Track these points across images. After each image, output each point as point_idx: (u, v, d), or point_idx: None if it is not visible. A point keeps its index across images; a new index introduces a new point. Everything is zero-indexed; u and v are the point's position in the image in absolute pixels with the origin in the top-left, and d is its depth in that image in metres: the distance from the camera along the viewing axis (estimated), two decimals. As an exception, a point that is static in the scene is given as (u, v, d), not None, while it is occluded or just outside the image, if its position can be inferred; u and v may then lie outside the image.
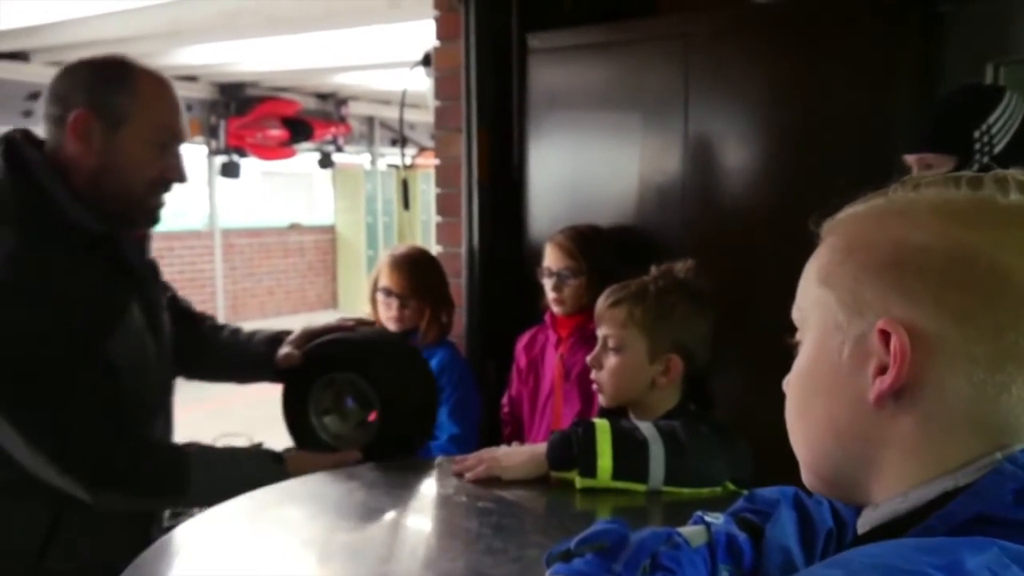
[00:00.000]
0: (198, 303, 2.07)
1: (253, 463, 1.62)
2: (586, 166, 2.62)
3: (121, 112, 1.47)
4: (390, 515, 1.41)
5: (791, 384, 0.69)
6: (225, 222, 10.70)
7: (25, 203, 1.44)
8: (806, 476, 0.69)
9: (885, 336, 0.59)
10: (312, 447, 1.75)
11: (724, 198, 2.38)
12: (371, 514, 1.41)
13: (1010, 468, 0.56)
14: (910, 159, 1.67)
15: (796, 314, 0.69)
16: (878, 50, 2.16)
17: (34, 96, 8.34)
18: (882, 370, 0.59)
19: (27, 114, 8.27)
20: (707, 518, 0.93)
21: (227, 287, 10.60)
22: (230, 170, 9.80)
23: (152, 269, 1.68)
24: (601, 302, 1.68)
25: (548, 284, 2.32)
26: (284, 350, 1.79)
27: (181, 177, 1.57)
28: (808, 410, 0.67)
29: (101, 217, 1.50)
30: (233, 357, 1.88)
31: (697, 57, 2.39)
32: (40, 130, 1.55)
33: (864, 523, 0.64)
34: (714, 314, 1.66)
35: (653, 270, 1.71)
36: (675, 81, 2.42)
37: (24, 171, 1.46)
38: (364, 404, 1.78)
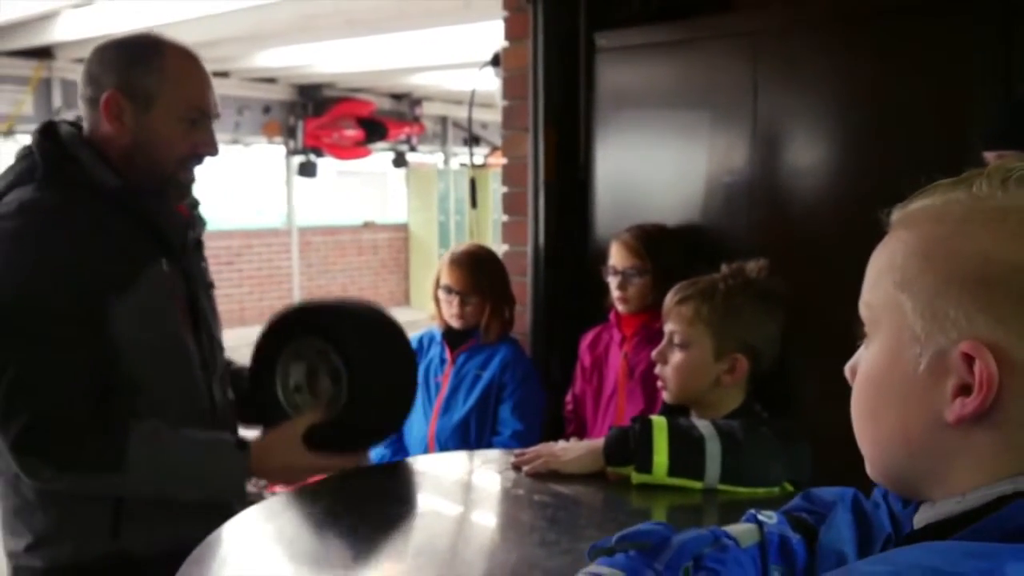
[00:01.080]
0: (275, 299, 2.10)
1: (211, 451, 1.53)
2: (652, 165, 2.61)
3: (150, 92, 1.50)
4: (449, 506, 1.44)
5: (859, 384, 0.67)
6: (302, 220, 10.94)
7: (50, 164, 1.49)
8: (871, 470, 0.67)
9: (968, 357, 0.57)
10: (273, 421, 1.62)
11: (793, 198, 2.34)
12: (430, 505, 1.45)
13: None
14: (989, 156, 1.61)
15: (864, 311, 0.66)
16: (954, 45, 2.11)
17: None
18: (962, 390, 0.58)
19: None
20: (760, 516, 0.92)
21: (303, 284, 10.84)
22: (307, 170, 10.03)
23: (197, 249, 1.68)
24: (669, 298, 1.68)
25: (613, 283, 2.32)
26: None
27: (212, 151, 1.59)
28: (878, 415, 0.65)
29: (133, 184, 1.52)
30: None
31: (766, 54, 2.36)
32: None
33: (919, 520, 0.63)
34: (784, 316, 1.65)
35: (724, 268, 1.70)
36: (743, 79, 2.39)
37: (55, 141, 1.52)
38: (336, 379, 1.59)
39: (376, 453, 2.36)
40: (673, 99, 2.58)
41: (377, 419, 1.64)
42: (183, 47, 1.57)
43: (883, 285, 0.63)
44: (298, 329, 1.64)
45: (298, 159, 10.07)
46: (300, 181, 10.39)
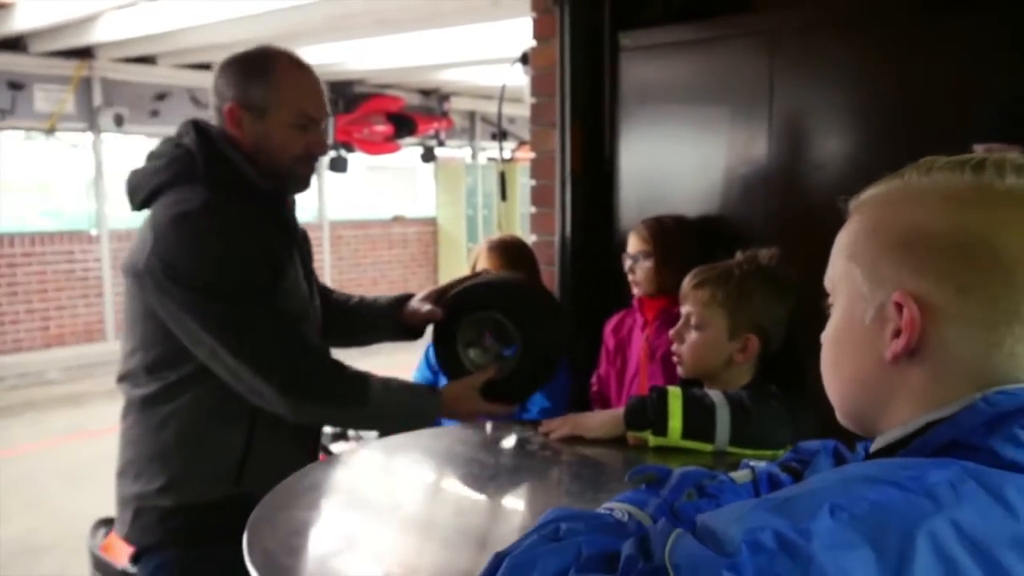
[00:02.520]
0: None
1: (419, 396, 1.83)
2: (674, 159, 2.74)
3: (263, 104, 1.72)
4: (487, 464, 1.61)
5: (825, 344, 0.82)
6: (333, 215, 11.12)
7: (211, 165, 1.70)
8: (839, 415, 0.82)
9: (899, 306, 0.71)
10: (458, 375, 1.95)
11: (807, 189, 2.46)
12: (471, 463, 1.62)
13: (983, 405, 0.68)
14: (979, 148, 1.73)
15: (828, 283, 0.82)
16: (969, 43, 2.19)
17: (161, 97, 8.91)
18: (897, 333, 0.72)
19: (154, 114, 8.85)
20: (752, 463, 1.06)
21: (334, 277, 11.04)
22: (338, 165, 10.18)
23: (304, 234, 1.93)
24: (687, 281, 1.82)
25: (625, 266, 2.48)
26: (425, 306, 2.02)
27: (324, 150, 1.82)
28: (839, 364, 0.80)
29: (270, 182, 1.76)
30: (359, 321, 2.12)
31: (782, 52, 2.48)
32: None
33: (873, 447, 0.78)
34: (793, 300, 1.78)
35: (738, 255, 1.83)
36: (761, 76, 2.51)
37: (209, 141, 1.73)
38: (502, 339, 1.98)
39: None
40: (694, 95, 2.71)
41: (535, 377, 1.97)
42: (295, 59, 1.77)
43: (839, 260, 0.79)
44: (478, 302, 1.98)
45: (329, 154, 10.24)
46: (331, 176, 10.55)
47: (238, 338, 1.64)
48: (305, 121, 1.75)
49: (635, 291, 2.46)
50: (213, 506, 1.70)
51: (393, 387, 1.78)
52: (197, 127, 1.75)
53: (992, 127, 1.73)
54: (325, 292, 2.13)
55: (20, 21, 6.70)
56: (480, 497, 1.44)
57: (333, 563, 1.19)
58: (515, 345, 1.95)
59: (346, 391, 1.71)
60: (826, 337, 0.81)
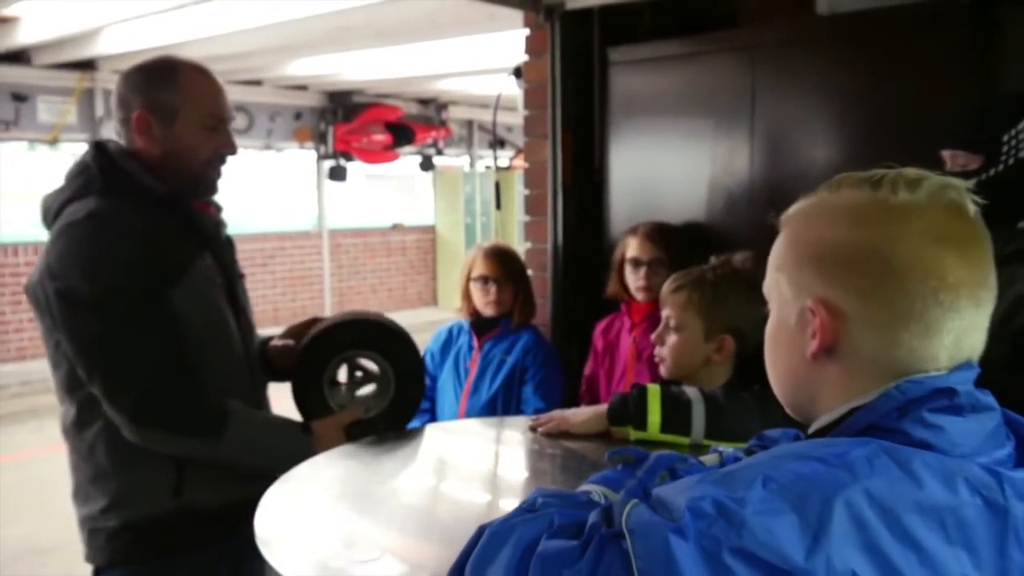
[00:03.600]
0: (307, 300, 2.38)
1: (285, 432, 1.78)
2: (661, 168, 2.85)
3: (172, 108, 1.72)
4: (479, 457, 1.71)
5: (765, 344, 0.93)
6: (332, 223, 11.20)
7: (105, 175, 1.70)
8: (784, 405, 0.93)
9: (812, 311, 0.82)
10: (318, 412, 1.92)
11: (788, 196, 2.54)
12: (463, 457, 1.72)
13: (896, 393, 0.79)
14: (945, 154, 1.84)
15: (764, 290, 0.92)
16: (937, 56, 2.31)
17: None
18: (814, 335, 0.83)
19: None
20: (720, 448, 1.17)
21: (334, 285, 11.12)
22: (337, 174, 10.26)
23: (228, 244, 1.91)
24: (666, 286, 1.92)
25: (637, 273, 2.52)
26: (279, 342, 2.03)
27: (232, 151, 1.82)
28: (776, 362, 0.91)
29: (170, 187, 1.73)
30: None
31: (764, 66, 2.60)
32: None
33: (810, 432, 0.89)
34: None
35: (713, 260, 1.93)
36: (743, 89, 2.63)
37: (106, 155, 1.74)
38: (366, 378, 2.02)
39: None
40: (680, 107, 2.82)
41: (399, 414, 1.99)
42: (196, 64, 1.79)
43: (770, 270, 0.90)
44: (346, 340, 1.99)
45: (328, 163, 10.30)
46: (331, 185, 10.63)
47: (94, 357, 1.61)
48: (214, 122, 1.77)
49: (641, 296, 2.52)
50: (157, 521, 1.70)
51: (259, 424, 1.74)
52: (96, 145, 1.76)
53: (955, 135, 1.83)
54: None
55: (24, 35, 6.80)
56: (469, 486, 1.54)
57: (334, 563, 1.24)
58: (373, 382, 2.00)
59: (200, 423, 1.65)
60: (766, 339, 0.92)
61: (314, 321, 2.07)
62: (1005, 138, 1.75)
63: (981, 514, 0.72)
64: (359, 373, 2.01)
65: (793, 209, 0.89)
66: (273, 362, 2.01)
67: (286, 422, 1.80)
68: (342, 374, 2.01)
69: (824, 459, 0.73)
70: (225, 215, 1.94)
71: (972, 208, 0.81)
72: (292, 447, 1.72)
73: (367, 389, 2.01)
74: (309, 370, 1.96)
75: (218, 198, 1.91)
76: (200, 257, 1.76)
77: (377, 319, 2.08)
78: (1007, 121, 1.77)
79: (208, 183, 1.82)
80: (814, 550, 0.67)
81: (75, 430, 1.72)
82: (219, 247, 1.85)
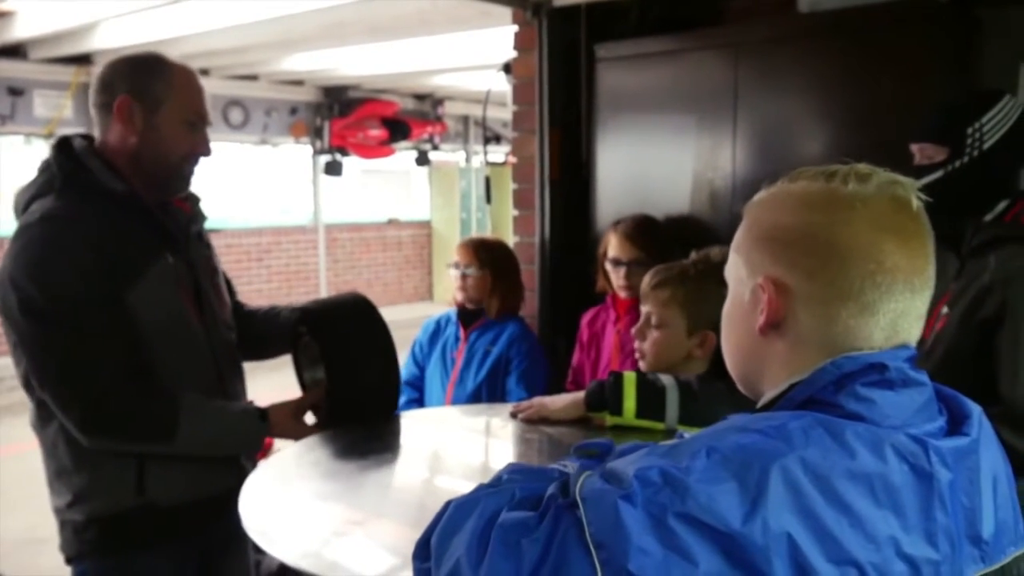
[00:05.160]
0: (303, 295, 2.37)
1: (241, 422, 1.78)
2: (646, 163, 2.90)
3: (158, 97, 1.72)
4: (461, 442, 1.76)
5: (722, 323, 0.98)
6: (328, 218, 11.21)
7: (65, 174, 1.69)
8: (736, 381, 0.98)
9: (762, 288, 0.87)
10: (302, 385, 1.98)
11: (770, 191, 2.61)
12: (445, 443, 1.77)
13: (831, 368, 0.84)
14: (913, 147, 1.89)
15: (726, 272, 0.97)
16: (916, 53, 2.37)
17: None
18: (763, 311, 0.88)
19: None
20: (686, 434, 1.21)
21: (330, 279, 11.14)
22: (333, 168, 10.27)
23: (198, 240, 1.89)
24: (646, 282, 1.93)
25: (618, 272, 2.56)
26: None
27: (207, 151, 1.81)
28: (729, 338, 0.96)
29: (137, 187, 1.72)
30: (266, 334, 2.10)
31: (746, 63, 2.65)
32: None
33: (758, 406, 0.94)
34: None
35: (693, 255, 1.95)
36: (726, 85, 2.68)
37: (69, 154, 1.73)
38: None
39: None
40: (665, 103, 2.87)
41: (353, 405, 1.88)
42: (183, 64, 1.81)
43: (731, 254, 0.95)
44: (303, 319, 1.97)
45: (324, 158, 10.31)
46: (326, 180, 10.63)
47: (42, 366, 1.62)
48: (196, 119, 1.77)
49: (623, 294, 2.57)
50: (122, 517, 1.71)
51: (213, 417, 1.74)
52: (60, 141, 1.75)
53: (924, 129, 1.88)
54: (237, 308, 2.08)
55: (20, 29, 6.82)
56: (448, 467, 1.59)
57: (325, 553, 1.27)
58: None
59: (150, 426, 1.66)
60: (723, 317, 0.98)
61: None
62: (969, 131, 1.80)
63: (907, 479, 0.77)
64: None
65: (755, 198, 0.94)
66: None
67: (242, 411, 1.81)
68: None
69: (763, 431, 0.78)
70: (205, 206, 1.93)
71: (916, 204, 0.86)
72: (250, 435, 1.76)
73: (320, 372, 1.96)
74: (293, 344, 2.00)
75: (195, 190, 1.90)
76: (161, 256, 1.75)
77: (341, 302, 2.01)
78: (972, 115, 1.81)
79: (181, 180, 1.82)
80: (752, 514, 0.72)
81: (38, 426, 1.74)
82: (186, 245, 1.83)
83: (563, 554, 0.76)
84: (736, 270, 0.93)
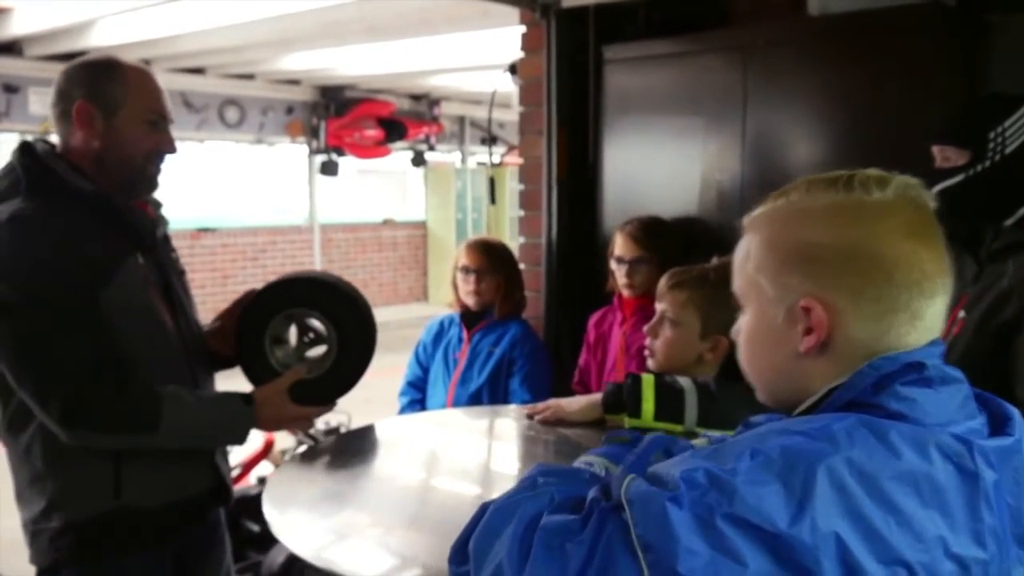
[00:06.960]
0: None
1: (224, 407, 1.76)
2: (654, 164, 2.90)
3: (115, 100, 1.70)
4: (477, 444, 1.75)
5: (742, 342, 0.96)
6: (324, 218, 11.21)
7: (31, 177, 1.67)
8: (760, 396, 0.98)
9: (806, 309, 0.86)
10: (262, 375, 1.87)
11: (778, 194, 2.61)
12: (456, 447, 1.75)
13: (868, 370, 0.84)
14: (934, 150, 1.88)
15: (737, 292, 0.96)
16: (926, 57, 2.36)
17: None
18: (807, 331, 0.86)
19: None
20: (709, 434, 1.21)
21: (325, 279, 11.11)
22: (329, 168, 10.27)
23: (165, 242, 1.88)
24: (664, 281, 1.93)
25: (621, 271, 2.58)
26: (211, 326, 1.97)
27: (171, 149, 1.79)
28: (757, 359, 0.95)
29: (103, 188, 1.71)
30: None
31: (755, 65, 2.64)
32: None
33: (794, 415, 0.93)
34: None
35: (715, 260, 1.96)
36: (735, 87, 2.67)
37: (33, 157, 1.70)
38: (315, 340, 1.93)
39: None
40: (672, 105, 2.86)
41: (350, 373, 1.90)
42: (138, 64, 1.79)
43: (745, 272, 0.93)
44: (286, 298, 1.91)
45: (320, 158, 10.32)
46: (322, 180, 10.64)
47: (20, 361, 1.60)
48: (156, 118, 1.75)
49: (627, 292, 2.58)
50: (97, 522, 1.69)
51: (196, 405, 1.72)
52: (23, 145, 1.73)
53: (944, 131, 1.87)
54: None
55: (16, 26, 6.79)
56: (468, 469, 1.58)
57: (326, 554, 1.27)
58: (323, 342, 1.91)
59: (132, 419, 1.64)
60: (744, 337, 0.96)
61: (244, 297, 1.99)
62: (991, 135, 1.79)
63: (953, 479, 0.77)
64: (311, 335, 1.95)
65: (760, 211, 0.92)
66: (210, 346, 1.96)
67: (225, 396, 1.79)
68: (292, 335, 1.95)
69: (806, 432, 0.77)
70: (166, 210, 1.92)
71: (931, 203, 0.87)
72: (236, 420, 1.74)
73: (317, 351, 1.94)
74: (250, 330, 1.91)
75: (158, 195, 1.89)
76: (131, 256, 1.74)
77: (323, 277, 2.00)
78: (994, 118, 1.81)
79: (147, 180, 1.80)
80: (799, 516, 0.72)
81: (10, 434, 1.71)
82: (154, 246, 1.83)
83: (609, 557, 0.75)
84: (759, 291, 0.91)
